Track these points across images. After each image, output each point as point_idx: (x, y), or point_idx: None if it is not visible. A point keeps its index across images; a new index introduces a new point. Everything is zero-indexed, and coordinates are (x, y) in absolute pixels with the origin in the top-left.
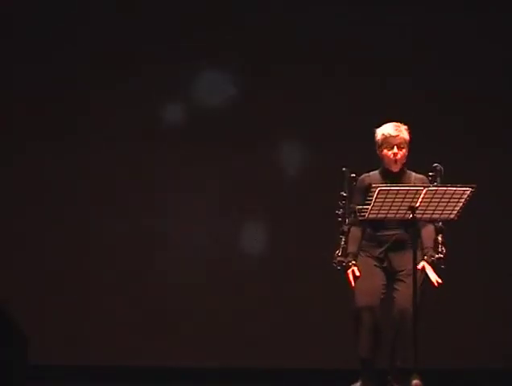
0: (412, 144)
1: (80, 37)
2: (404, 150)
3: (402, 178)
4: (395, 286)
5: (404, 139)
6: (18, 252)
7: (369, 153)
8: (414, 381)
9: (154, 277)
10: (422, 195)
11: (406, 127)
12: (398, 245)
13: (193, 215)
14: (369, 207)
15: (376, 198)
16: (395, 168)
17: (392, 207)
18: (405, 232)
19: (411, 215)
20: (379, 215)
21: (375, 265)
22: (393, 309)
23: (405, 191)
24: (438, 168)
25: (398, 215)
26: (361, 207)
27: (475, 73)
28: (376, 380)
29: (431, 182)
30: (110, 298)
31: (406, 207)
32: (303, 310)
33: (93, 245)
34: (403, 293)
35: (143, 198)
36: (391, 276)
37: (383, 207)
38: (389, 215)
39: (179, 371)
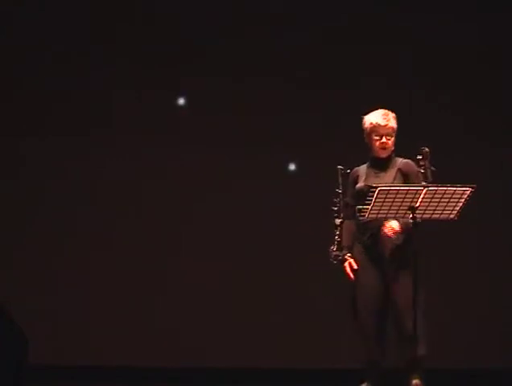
0: (412, 144)
1: (80, 37)
2: (392, 139)
3: (389, 164)
4: (393, 286)
5: (392, 128)
6: (18, 252)
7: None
8: (414, 381)
9: (154, 277)
10: (422, 195)
11: (394, 115)
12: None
13: (194, 217)
14: (369, 207)
15: (376, 198)
16: (383, 154)
17: (392, 207)
18: None
19: (411, 215)
20: (379, 215)
21: (369, 258)
22: (394, 309)
23: (405, 191)
24: (424, 151)
25: (398, 215)
26: (360, 207)
27: (475, 73)
28: (383, 381)
29: (418, 165)
30: (110, 298)
31: (406, 207)
32: (304, 310)
33: (93, 245)
34: (402, 293)
35: (143, 198)
36: (384, 264)
37: (383, 207)
38: (389, 215)
39: (179, 371)
